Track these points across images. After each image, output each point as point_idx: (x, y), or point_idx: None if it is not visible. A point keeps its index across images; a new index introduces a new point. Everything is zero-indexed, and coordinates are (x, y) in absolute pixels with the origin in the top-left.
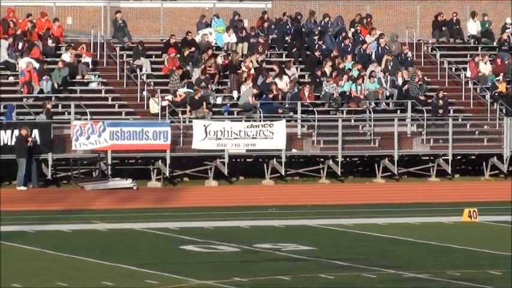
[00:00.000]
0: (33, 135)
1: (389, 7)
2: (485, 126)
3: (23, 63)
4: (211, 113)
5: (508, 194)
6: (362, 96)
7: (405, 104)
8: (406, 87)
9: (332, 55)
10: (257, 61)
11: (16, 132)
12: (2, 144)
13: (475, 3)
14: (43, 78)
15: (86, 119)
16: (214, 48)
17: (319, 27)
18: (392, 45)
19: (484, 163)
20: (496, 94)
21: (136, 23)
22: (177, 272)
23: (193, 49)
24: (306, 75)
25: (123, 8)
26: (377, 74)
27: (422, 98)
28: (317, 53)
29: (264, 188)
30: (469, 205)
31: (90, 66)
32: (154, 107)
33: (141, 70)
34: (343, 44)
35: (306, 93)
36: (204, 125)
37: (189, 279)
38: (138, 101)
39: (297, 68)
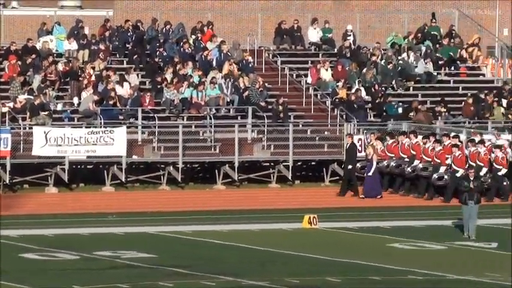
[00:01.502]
0: None
1: (231, 15)
2: (326, 132)
3: None
4: (51, 120)
5: (347, 201)
6: (203, 103)
7: (246, 110)
8: (246, 93)
9: (173, 62)
10: (99, 68)
11: None
12: None
13: (316, 11)
14: None
15: None
16: (55, 55)
17: (160, 35)
18: (234, 52)
19: (324, 169)
20: (337, 100)
21: None
22: (15, 281)
23: (34, 56)
24: (147, 82)
25: None
26: (218, 80)
27: (263, 104)
28: (158, 60)
29: (105, 194)
30: (310, 211)
31: None
32: None
33: None
34: (183, 50)
35: (147, 100)
36: (45, 132)
37: (28, 287)
38: None
39: (138, 75)
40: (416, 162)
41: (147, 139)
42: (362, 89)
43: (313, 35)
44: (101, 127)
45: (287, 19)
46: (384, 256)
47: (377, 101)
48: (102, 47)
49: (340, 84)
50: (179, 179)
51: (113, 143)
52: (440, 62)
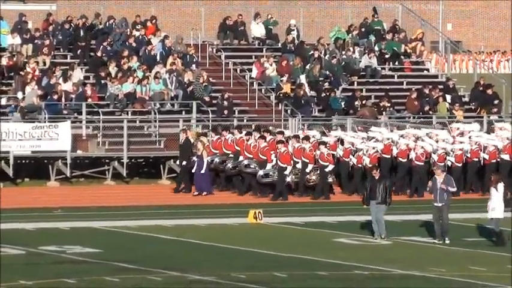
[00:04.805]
0: None
1: (174, 9)
2: (271, 127)
3: None
4: None
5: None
6: (147, 97)
7: (190, 105)
8: (191, 88)
9: (117, 56)
10: (43, 62)
11: None
12: None
13: (259, 5)
14: None
15: None
16: None
17: (104, 29)
18: (177, 47)
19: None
20: (281, 95)
21: None
22: None
23: None
24: (91, 76)
25: None
26: (162, 75)
27: (207, 99)
28: (101, 54)
29: (50, 189)
30: (254, 206)
31: None
32: None
33: None
34: (128, 44)
35: (89, 93)
36: None
37: None
38: None
39: (82, 69)
40: (241, 158)
41: (91, 134)
42: (306, 83)
43: (257, 29)
44: (45, 122)
45: (230, 13)
46: (330, 251)
47: (323, 96)
48: (46, 41)
49: (284, 79)
50: (124, 174)
51: (58, 137)
52: (385, 56)
